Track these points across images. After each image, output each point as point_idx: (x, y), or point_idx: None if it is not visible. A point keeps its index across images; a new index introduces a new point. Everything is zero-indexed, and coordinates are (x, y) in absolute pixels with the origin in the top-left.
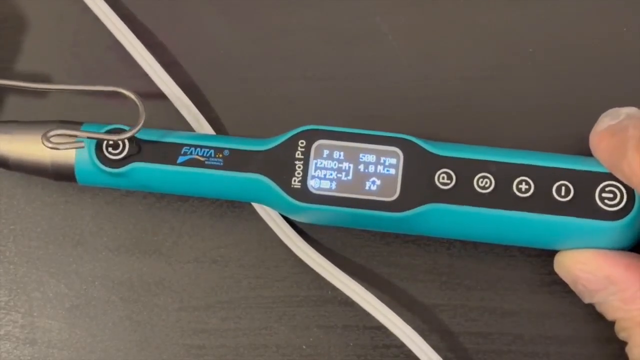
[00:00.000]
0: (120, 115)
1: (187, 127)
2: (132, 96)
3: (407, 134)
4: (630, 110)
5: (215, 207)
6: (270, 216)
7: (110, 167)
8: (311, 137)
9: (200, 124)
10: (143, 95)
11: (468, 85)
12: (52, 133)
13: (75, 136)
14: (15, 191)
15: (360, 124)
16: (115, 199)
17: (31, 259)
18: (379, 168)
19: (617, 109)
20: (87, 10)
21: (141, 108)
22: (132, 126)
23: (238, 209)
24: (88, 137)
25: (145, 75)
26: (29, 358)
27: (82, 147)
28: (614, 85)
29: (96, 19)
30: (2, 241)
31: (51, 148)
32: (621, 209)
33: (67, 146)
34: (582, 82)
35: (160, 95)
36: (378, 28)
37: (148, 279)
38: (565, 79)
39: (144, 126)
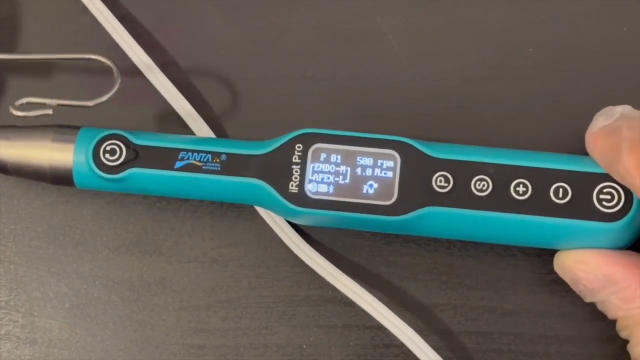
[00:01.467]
0: (120, 119)
1: (186, 128)
2: (107, 62)
3: (407, 134)
4: (624, 109)
5: (215, 207)
6: (270, 216)
7: (107, 172)
8: (308, 140)
9: (199, 125)
10: (141, 96)
11: (468, 85)
12: (19, 102)
13: (44, 104)
14: (16, 191)
15: (360, 124)
16: (115, 199)
17: (31, 258)
18: (377, 171)
19: (611, 107)
20: (86, 11)
21: (116, 73)
22: (131, 130)
23: (238, 209)
24: (58, 105)
25: (143, 76)
26: (29, 358)
27: (50, 114)
28: (614, 85)
29: (94, 19)
30: (2, 241)
31: (21, 117)
32: (619, 210)
33: (35, 113)
34: (582, 82)
35: (158, 96)
36: (378, 28)
37: (148, 279)
38: (565, 79)
39: (143, 130)
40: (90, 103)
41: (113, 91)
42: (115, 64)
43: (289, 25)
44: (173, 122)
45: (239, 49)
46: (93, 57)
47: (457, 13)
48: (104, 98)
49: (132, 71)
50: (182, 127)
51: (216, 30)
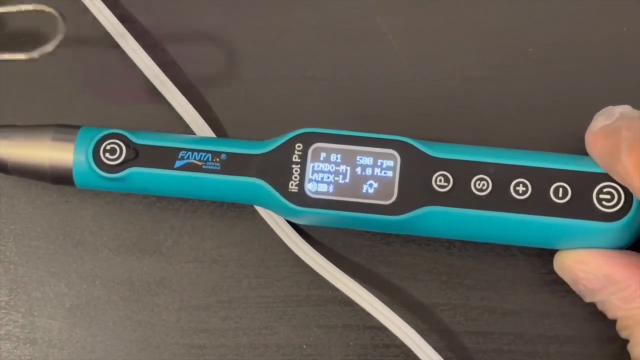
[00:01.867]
0: (120, 120)
1: (186, 128)
2: (50, 10)
3: (407, 134)
4: (624, 109)
5: (215, 207)
6: (270, 216)
7: (107, 172)
8: (308, 140)
9: (199, 125)
10: (142, 96)
11: (468, 85)
12: None
13: None
14: (16, 191)
15: (360, 124)
16: (115, 199)
17: (31, 258)
18: (376, 171)
19: (611, 107)
20: (86, 10)
21: (60, 22)
22: (131, 130)
23: (238, 209)
24: None
25: (144, 75)
26: (29, 358)
27: None
28: (614, 85)
29: (95, 19)
30: (2, 241)
31: None
32: (619, 210)
33: None
34: (582, 82)
35: (159, 96)
36: (378, 28)
37: (148, 279)
38: (565, 79)
39: (144, 129)
40: (35, 54)
41: (57, 40)
42: (60, 13)
43: (289, 25)
44: (173, 122)
45: (239, 49)
46: (34, 7)
47: (457, 13)
48: (49, 48)
49: (133, 71)
50: (182, 127)
51: (216, 30)
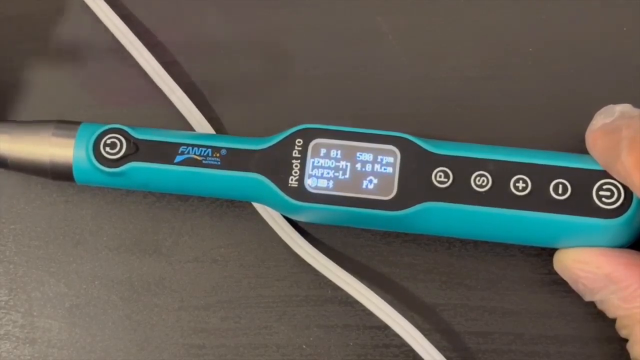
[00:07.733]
0: (120, 116)
1: (187, 126)
2: None
3: (407, 133)
4: (624, 107)
5: (215, 207)
6: (270, 215)
7: (107, 166)
8: (308, 135)
9: (200, 123)
10: (144, 95)
11: (468, 85)
12: None
13: None
14: (15, 191)
15: (360, 124)
16: (115, 199)
17: (31, 258)
18: (376, 167)
19: (611, 106)
20: (87, 10)
21: None
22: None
23: (238, 209)
24: None
25: (145, 74)
26: (29, 358)
27: None
28: (613, 85)
29: (96, 18)
30: (2, 241)
31: None
32: (618, 206)
33: None
34: (582, 81)
35: (160, 95)
36: (378, 28)
37: (148, 279)
38: (565, 79)
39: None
40: None
41: None
42: None
43: (289, 25)
44: (175, 121)
45: (239, 49)
46: None
47: (457, 13)
48: None
49: (135, 70)
50: (184, 126)
51: (216, 30)
